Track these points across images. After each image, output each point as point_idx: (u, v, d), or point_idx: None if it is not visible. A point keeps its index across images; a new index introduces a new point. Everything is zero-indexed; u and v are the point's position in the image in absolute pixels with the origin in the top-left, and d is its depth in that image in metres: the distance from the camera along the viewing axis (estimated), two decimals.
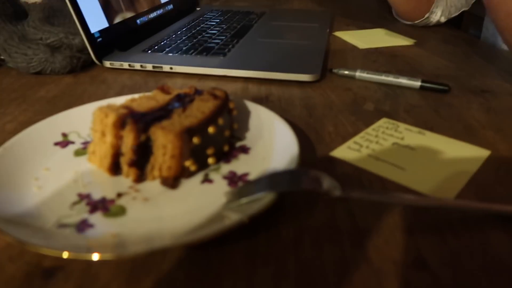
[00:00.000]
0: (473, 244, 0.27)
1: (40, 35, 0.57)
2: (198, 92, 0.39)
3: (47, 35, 0.57)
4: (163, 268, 0.25)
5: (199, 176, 0.33)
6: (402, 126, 0.42)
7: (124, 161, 0.32)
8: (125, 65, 0.58)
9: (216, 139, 0.34)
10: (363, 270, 0.25)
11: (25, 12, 0.65)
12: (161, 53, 0.62)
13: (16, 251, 0.26)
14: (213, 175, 0.33)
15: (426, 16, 0.80)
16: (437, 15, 0.80)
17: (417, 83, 0.52)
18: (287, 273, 0.25)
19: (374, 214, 0.30)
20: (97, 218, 0.28)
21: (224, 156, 0.36)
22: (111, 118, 0.32)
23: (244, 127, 0.40)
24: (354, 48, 0.71)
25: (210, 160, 0.34)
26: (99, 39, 0.60)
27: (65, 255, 0.23)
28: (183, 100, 0.37)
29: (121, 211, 0.29)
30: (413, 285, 0.24)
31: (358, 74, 0.55)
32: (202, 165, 0.34)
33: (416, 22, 0.82)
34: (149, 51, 0.63)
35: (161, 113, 0.33)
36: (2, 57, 0.60)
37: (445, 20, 0.82)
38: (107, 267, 0.25)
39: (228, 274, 0.25)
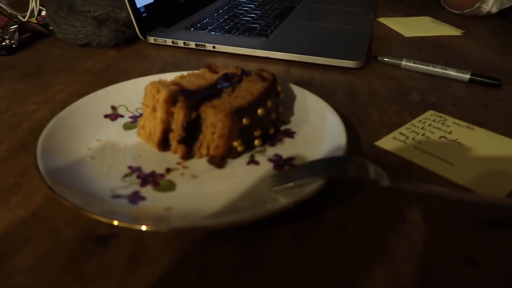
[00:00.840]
0: None
1: (88, 7, 0.58)
2: (245, 72, 0.39)
3: (95, 7, 0.58)
4: (211, 243, 0.26)
5: (245, 157, 0.33)
6: (450, 120, 0.41)
7: (173, 137, 0.33)
8: (168, 41, 0.59)
9: (263, 121, 0.34)
10: (410, 262, 0.25)
11: None
12: (203, 32, 0.62)
13: (72, 217, 0.28)
14: (258, 157, 0.34)
15: (476, 5, 0.76)
16: (489, 5, 0.77)
17: (467, 76, 0.50)
18: (332, 258, 0.25)
19: (420, 207, 0.29)
20: (148, 191, 0.29)
21: (269, 139, 0.36)
22: (162, 94, 0.32)
23: (289, 110, 0.40)
24: (398, 35, 0.69)
25: (256, 142, 0.34)
26: (144, 14, 0.60)
27: (117, 223, 0.24)
28: (231, 80, 0.37)
29: (171, 186, 0.30)
30: (461, 281, 0.24)
31: (404, 63, 0.54)
32: (248, 146, 0.34)
33: (465, 11, 0.79)
34: (192, 29, 0.63)
35: (211, 92, 0.34)
36: (50, 28, 0.61)
37: (497, 11, 0.79)
38: (157, 239, 0.26)
39: (274, 255, 0.25)
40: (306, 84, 0.49)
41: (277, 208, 0.26)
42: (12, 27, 0.60)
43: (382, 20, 0.76)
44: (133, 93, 0.40)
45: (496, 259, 0.25)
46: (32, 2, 0.67)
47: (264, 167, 0.32)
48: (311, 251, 0.26)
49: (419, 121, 0.41)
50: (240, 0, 0.82)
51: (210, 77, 0.37)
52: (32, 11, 0.67)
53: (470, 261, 0.25)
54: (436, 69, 0.52)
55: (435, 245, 0.26)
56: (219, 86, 0.35)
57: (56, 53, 0.57)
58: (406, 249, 0.26)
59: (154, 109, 0.33)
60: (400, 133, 0.39)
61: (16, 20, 0.65)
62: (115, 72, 0.51)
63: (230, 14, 0.71)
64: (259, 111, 0.33)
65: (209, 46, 0.57)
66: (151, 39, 0.59)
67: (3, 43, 0.57)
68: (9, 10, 0.65)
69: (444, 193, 0.29)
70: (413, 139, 0.38)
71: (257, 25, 0.65)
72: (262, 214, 0.25)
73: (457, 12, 0.81)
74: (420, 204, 0.30)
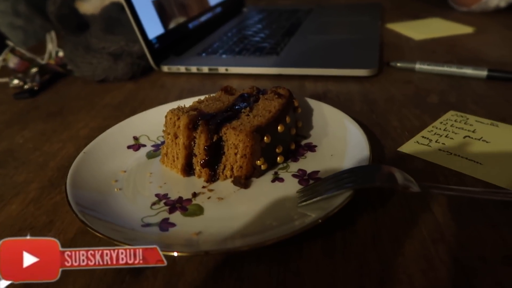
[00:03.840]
0: None
1: (103, 44, 0.60)
2: (261, 91, 0.39)
3: (109, 44, 0.60)
4: (244, 265, 0.26)
5: (269, 175, 0.33)
6: (472, 119, 0.41)
7: (196, 161, 0.33)
8: (182, 69, 0.60)
9: (284, 137, 0.34)
10: (449, 267, 0.24)
11: (87, 23, 0.68)
12: (215, 55, 0.63)
13: None
14: (283, 174, 0.34)
15: (484, 0, 0.75)
16: None
17: (484, 73, 0.50)
18: (370, 270, 0.25)
19: (453, 210, 0.29)
20: (177, 217, 0.29)
21: (292, 155, 0.36)
22: (183, 120, 0.33)
23: (308, 124, 0.40)
24: (409, 39, 0.69)
25: (279, 159, 0.34)
26: (156, 45, 0.62)
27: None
28: (248, 100, 0.37)
29: (199, 210, 0.30)
30: (503, 281, 0.23)
31: (418, 66, 0.53)
32: (271, 164, 0.34)
33: (473, 7, 0.78)
34: (203, 54, 0.64)
35: (230, 114, 0.34)
36: (68, 67, 0.63)
37: (506, 5, 0.78)
38: (191, 264, 0.26)
39: (309, 271, 0.25)
40: (321, 97, 0.49)
41: (306, 224, 0.26)
42: (32, 70, 0.63)
43: (390, 26, 0.77)
44: (153, 122, 0.41)
45: None
46: (49, 44, 0.70)
47: (289, 183, 0.32)
48: (346, 264, 0.25)
49: (441, 122, 0.41)
50: (248, 22, 0.83)
51: (227, 99, 0.38)
52: (50, 53, 0.70)
53: (510, 260, 0.24)
54: (452, 69, 0.51)
55: (473, 246, 0.26)
56: (237, 107, 0.36)
57: (76, 91, 0.59)
58: (443, 253, 0.25)
59: (175, 136, 0.34)
60: (423, 137, 0.38)
61: (36, 63, 0.67)
62: (134, 104, 0.53)
63: (239, 36, 0.73)
64: (279, 127, 0.33)
65: (221, 69, 0.58)
66: (165, 68, 0.61)
67: (26, 87, 0.59)
68: (28, 55, 0.68)
69: (476, 193, 0.28)
70: (436, 141, 0.37)
71: (267, 44, 0.66)
72: (291, 232, 0.25)
73: (465, 9, 0.81)
74: (453, 206, 0.29)
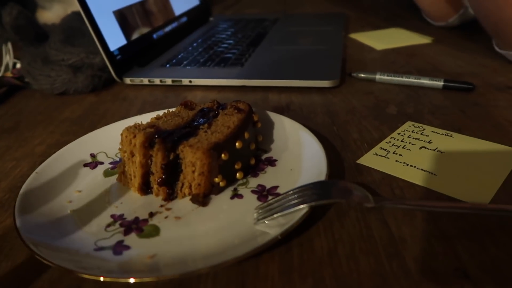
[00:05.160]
0: None
1: (62, 56, 0.58)
2: (221, 106, 0.39)
3: (69, 56, 0.58)
4: (201, 287, 0.25)
5: (228, 192, 0.33)
6: (428, 129, 0.42)
7: (154, 180, 0.33)
8: (145, 80, 0.59)
9: (243, 153, 0.34)
10: (402, 282, 0.25)
11: (46, 34, 0.66)
12: (179, 67, 0.63)
13: (56, 276, 0.27)
14: (242, 190, 0.33)
15: (461, 12, 0.74)
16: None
17: (440, 83, 0.51)
18: (325, 287, 0.25)
19: (408, 223, 0.29)
20: (132, 239, 0.29)
21: (252, 170, 0.36)
22: (139, 139, 0.32)
23: (269, 138, 0.40)
24: (371, 49, 0.70)
25: (238, 175, 0.34)
26: (118, 57, 0.61)
27: (102, 279, 0.24)
28: (208, 115, 0.37)
29: (155, 231, 0.29)
30: None
31: (378, 76, 0.55)
32: (230, 180, 0.34)
33: (449, 21, 0.77)
34: (167, 65, 0.63)
35: (188, 130, 0.34)
36: (26, 80, 0.61)
37: None
38: None
39: None
40: (284, 109, 0.49)
41: (266, 242, 0.26)
42: None
43: (354, 36, 0.78)
44: (112, 138, 0.40)
45: (487, 268, 0.25)
46: (6, 56, 0.67)
47: (249, 199, 0.32)
48: (302, 282, 0.25)
49: (399, 133, 0.41)
50: (214, 31, 0.83)
51: (187, 115, 0.37)
52: (7, 65, 0.67)
53: (462, 273, 0.25)
54: (410, 79, 0.53)
55: (426, 260, 0.26)
56: (195, 123, 0.35)
57: (34, 105, 0.57)
58: (397, 268, 0.26)
59: (132, 154, 0.33)
60: (381, 148, 0.39)
61: None
62: (94, 118, 0.51)
63: (205, 46, 0.72)
64: (237, 144, 0.33)
65: (185, 81, 0.58)
66: (128, 80, 0.60)
67: None
68: None
69: (428, 206, 0.29)
70: (394, 153, 0.38)
71: (232, 55, 0.66)
72: (248, 251, 0.25)
73: (442, 24, 0.79)
74: (407, 219, 0.30)
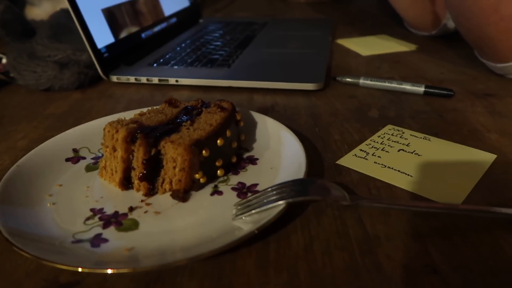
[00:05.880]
0: (483, 247, 0.27)
1: (48, 52, 0.58)
2: (205, 104, 0.39)
3: (55, 52, 0.58)
4: (177, 280, 0.26)
5: (209, 188, 0.34)
6: (407, 133, 0.43)
7: (135, 175, 0.33)
8: (132, 79, 0.59)
9: (224, 151, 0.35)
10: (374, 277, 0.25)
11: (33, 30, 0.66)
12: (166, 66, 0.63)
13: (33, 267, 0.27)
14: (222, 187, 0.34)
15: (443, 24, 0.76)
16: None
17: (421, 89, 0.52)
18: (299, 282, 0.25)
19: (383, 221, 0.30)
20: (110, 233, 0.29)
21: (233, 168, 0.36)
22: (121, 133, 0.33)
23: (251, 138, 0.40)
24: (357, 55, 0.71)
25: (219, 172, 0.34)
26: (106, 54, 0.61)
27: (80, 270, 0.24)
28: (191, 113, 0.37)
29: (134, 225, 0.30)
30: None
31: (362, 81, 0.56)
32: (211, 177, 0.34)
33: (433, 32, 0.78)
34: (155, 65, 0.64)
35: (170, 127, 0.34)
36: (11, 75, 0.61)
37: None
38: (122, 281, 0.26)
39: (241, 284, 0.25)
40: (269, 110, 0.50)
41: (241, 236, 0.26)
42: None
43: (340, 41, 0.79)
44: (95, 133, 0.40)
45: (456, 265, 0.26)
46: None
47: (228, 196, 0.33)
48: (277, 277, 0.26)
49: (379, 136, 0.42)
50: (203, 33, 0.84)
51: (171, 112, 0.38)
52: None
53: (432, 270, 0.26)
54: (393, 85, 0.54)
55: (398, 257, 0.27)
56: (178, 120, 0.36)
57: (18, 100, 0.57)
58: (370, 264, 0.26)
59: (114, 149, 0.34)
60: (361, 150, 0.40)
61: None
62: (79, 115, 0.51)
63: (193, 47, 0.73)
64: (219, 141, 0.34)
65: (172, 81, 0.58)
66: (114, 78, 0.60)
67: None
68: None
69: (402, 205, 0.29)
70: (373, 154, 0.39)
71: (219, 56, 0.67)
72: (223, 245, 0.25)
73: (426, 33, 0.80)
74: (382, 218, 0.30)
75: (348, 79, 0.57)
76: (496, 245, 0.28)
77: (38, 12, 1.05)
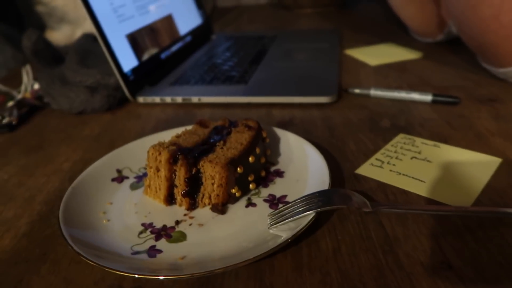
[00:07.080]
0: (491, 244, 0.31)
1: (79, 78, 0.63)
2: (232, 123, 0.44)
3: (86, 77, 0.63)
4: (224, 283, 0.30)
5: (243, 201, 0.38)
6: (418, 141, 0.47)
7: (178, 192, 0.37)
8: (157, 99, 0.64)
9: (255, 166, 0.39)
10: (396, 274, 0.29)
11: (61, 56, 0.71)
12: (187, 85, 0.67)
13: (99, 276, 0.31)
14: (255, 199, 0.38)
15: (446, 30, 0.79)
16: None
17: (428, 97, 0.56)
18: (331, 280, 0.29)
19: (401, 224, 0.34)
20: (163, 244, 0.33)
21: (262, 181, 0.40)
22: (164, 155, 0.37)
23: (276, 152, 0.44)
24: (365, 65, 0.75)
25: (251, 186, 0.38)
26: (131, 77, 0.65)
27: (139, 276, 0.28)
28: (222, 133, 0.41)
29: (182, 236, 0.34)
30: (441, 284, 0.28)
31: (373, 92, 0.60)
32: (245, 191, 0.38)
33: (437, 38, 0.82)
34: (176, 84, 0.68)
35: (206, 147, 0.38)
36: (45, 100, 0.66)
37: None
38: (178, 285, 0.30)
39: (281, 284, 0.29)
40: (288, 123, 0.54)
41: (278, 244, 0.30)
42: (9, 104, 0.65)
43: (349, 51, 0.83)
44: (134, 154, 0.44)
45: (468, 261, 0.30)
46: (24, 77, 0.72)
47: (261, 207, 0.37)
48: (312, 276, 0.30)
49: (392, 145, 0.46)
50: (217, 49, 0.88)
51: (203, 132, 0.42)
52: (26, 86, 0.72)
53: (447, 265, 0.30)
54: (401, 94, 0.58)
55: (416, 255, 0.31)
56: (212, 140, 0.40)
57: (54, 124, 0.61)
58: (392, 263, 0.30)
59: (157, 169, 0.38)
60: (376, 159, 0.44)
61: (11, 96, 0.69)
62: (112, 135, 0.56)
63: (210, 64, 0.77)
64: (250, 158, 0.38)
65: (194, 99, 0.62)
66: (141, 99, 0.64)
67: (3, 121, 0.61)
68: (3, 88, 0.70)
69: (418, 209, 0.33)
70: (388, 163, 0.43)
71: (236, 73, 0.71)
72: (265, 252, 0.29)
73: (430, 40, 0.83)
74: (400, 221, 0.34)
75: (359, 91, 0.61)
76: (503, 242, 0.31)
77: (58, 35, 1.10)
